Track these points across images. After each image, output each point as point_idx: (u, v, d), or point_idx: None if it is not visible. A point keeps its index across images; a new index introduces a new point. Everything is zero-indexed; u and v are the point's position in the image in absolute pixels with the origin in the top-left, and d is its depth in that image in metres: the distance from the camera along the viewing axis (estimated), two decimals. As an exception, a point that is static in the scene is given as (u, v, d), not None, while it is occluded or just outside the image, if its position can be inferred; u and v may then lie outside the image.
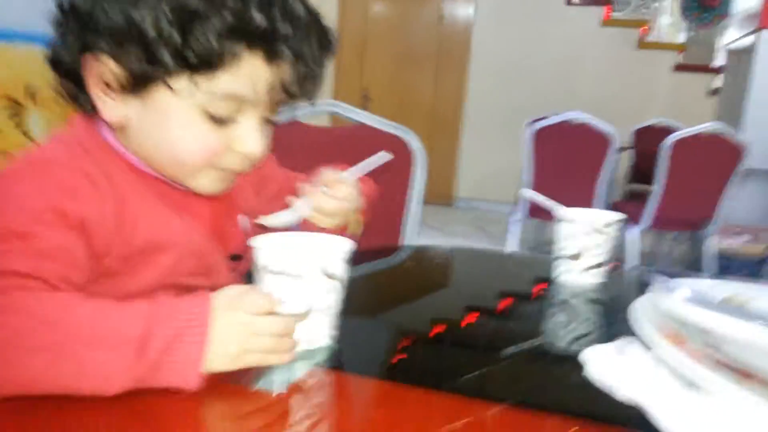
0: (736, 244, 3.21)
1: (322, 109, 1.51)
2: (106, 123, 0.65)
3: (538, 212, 3.25)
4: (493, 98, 5.66)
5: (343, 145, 1.50)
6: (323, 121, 1.52)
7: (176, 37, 0.57)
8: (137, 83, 0.61)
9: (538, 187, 3.09)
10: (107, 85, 0.62)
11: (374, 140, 1.48)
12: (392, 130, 1.47)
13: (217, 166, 0.67)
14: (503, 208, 5.51)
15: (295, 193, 0.82)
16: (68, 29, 0.62)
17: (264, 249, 0.60)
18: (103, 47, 0.60)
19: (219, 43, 0.58)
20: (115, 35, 0.59)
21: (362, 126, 1.50)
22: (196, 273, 0.70)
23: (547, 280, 0.96)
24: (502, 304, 0.86)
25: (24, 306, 0.50)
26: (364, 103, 5.58)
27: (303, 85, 0.67)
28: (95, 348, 0.48)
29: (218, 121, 0.63)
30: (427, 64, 5.80)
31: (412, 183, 1.43)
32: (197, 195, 0.72)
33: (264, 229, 0.75)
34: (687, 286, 0.57)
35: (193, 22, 0.57)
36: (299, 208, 0.78)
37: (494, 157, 5.66)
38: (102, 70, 0.61)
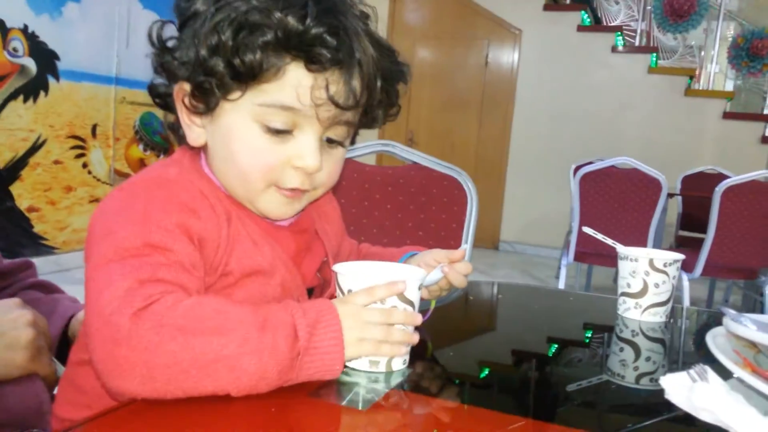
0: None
1: (377, 148, 1.56)
2: (198, 154, 0.73)
3: (584, 257, 3.23)
4: (538, 142, 5.69)
5: (397, 185, 1.55)
6: (370, 161, 1.57)
7: (224, 49, 0.64)
8: (202, 99, 0.68)
9: (585, 232, 3.06)
10: (191, 111, 0.70)
11: (428, 180, 1.52)
12: (446, 170, 1.50)
13: (277, 183, 0.70)
14: (548, 251, 5.48)
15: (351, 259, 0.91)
16: (159, 62, 0.71)
17: (348, 274, 0.64)
18: (180, 72, 0.68)
19: (261, 51, 0.64)
20: (187, 59, 0.68)
21: (416, 166, 1.53)
22: (280, 300, 0.74)
23: (610, 318, 0.97)
24: (566, 342, 0.87)
25: (190, 301, 0.57)
26: (410, 146, 5.65)
27: (355, 98, 0.68)
28: (262, 330, 0.55)
29: (275, 134, 0.68)
30: (471, 108, 5.89)
31: (467, 222, 1.45)
32: (283, 226, 0.77)
33: None
34: (757, 320, 0.58)
35: (236, 33, 0.64)
36: (438, 271, 0.82)
37: (539, 201, 5.65)
38: (184, 95, 0.70)
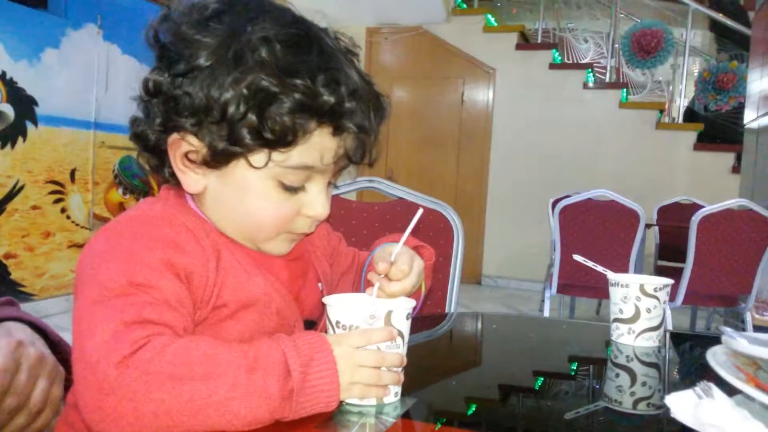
0: (771, 320, 3.16)
1: (363, 185, 1.57)
2: (183, 191, 0.72)
3: (566, 289, 3.24)
4: (515, 177, 5.76)
5: (383, 220, 1.56)
6: (351, 197, 1.58)
7: (253, 117, 0.63)
8: (218, 159, 0.66)
9: (566, 264, 3.10)
10: (189, 159, 0.68)
11: (413, 215, 1.53)
12: (431, 205, 1.52)
13: (288, 230, 0.72)
14: (530, 285, 5.50)
15: (359, 269, 0.88)
16: (153, 109, 0.67)
17: (335, 305, 0.64)
18: (186, 127, 0.65)
19: (292, 121, 0.63)
20: (199, 117, 0.64)
21: (401, 201, 1.55)
22: (277, 332, 0.73)
23: (603, 344, 0.98)
24: (563, 370, 0.88)
25: (177, 345, 0.55)
26: (389, 184, 5.70)
27: (363, 152, 0.72)
28: (251, 372, 0.55)
29: (290, 190, 0.69)
30: (449, 146, 5.97)
31: (454, 255, 1.47)
32: (275, 256, 0.76)
33: None
34: (751, 336, 0.59)
35: (268, 102, 0.63)
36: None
37: (519, 235, 5.70)
38: (185, 147, 0.67)
